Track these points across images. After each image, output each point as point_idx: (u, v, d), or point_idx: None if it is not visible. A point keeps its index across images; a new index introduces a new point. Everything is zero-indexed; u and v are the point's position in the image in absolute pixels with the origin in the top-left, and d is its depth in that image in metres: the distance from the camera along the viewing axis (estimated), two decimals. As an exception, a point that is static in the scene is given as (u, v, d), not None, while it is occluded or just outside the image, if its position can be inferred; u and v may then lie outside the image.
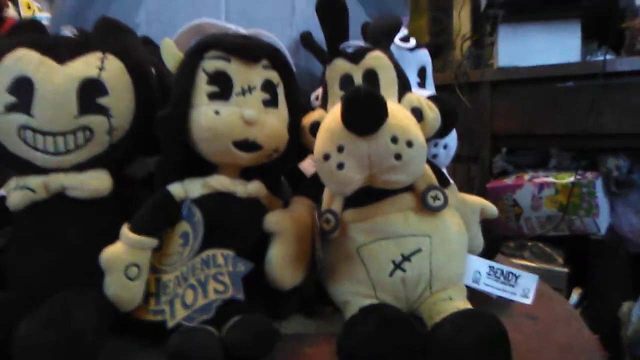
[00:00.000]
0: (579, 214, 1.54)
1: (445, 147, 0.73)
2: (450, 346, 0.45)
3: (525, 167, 1.75)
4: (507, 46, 1.64)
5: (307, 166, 0.76)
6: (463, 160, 1.73)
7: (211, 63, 0.57)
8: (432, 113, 0.60)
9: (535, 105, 1.62)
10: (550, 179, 1.59)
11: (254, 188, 0.59)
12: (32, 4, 2.95)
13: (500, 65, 1.65)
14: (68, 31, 0.63)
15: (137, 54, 0.62)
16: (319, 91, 0.88)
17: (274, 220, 0.58)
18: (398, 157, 0.50)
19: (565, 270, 1.53)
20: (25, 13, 2.92)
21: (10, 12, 2.80)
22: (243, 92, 0.57)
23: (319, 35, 1.00)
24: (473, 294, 0.58)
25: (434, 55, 0.82)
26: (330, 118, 0.53)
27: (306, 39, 0.99)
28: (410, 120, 0.53)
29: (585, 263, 1.55)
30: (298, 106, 0.63)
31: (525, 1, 1.58)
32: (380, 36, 0.65)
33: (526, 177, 1.65)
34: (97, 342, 0.49)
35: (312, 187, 0.64)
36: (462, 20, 2.02)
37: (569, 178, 1.56)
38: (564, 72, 1.55)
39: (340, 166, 0.50)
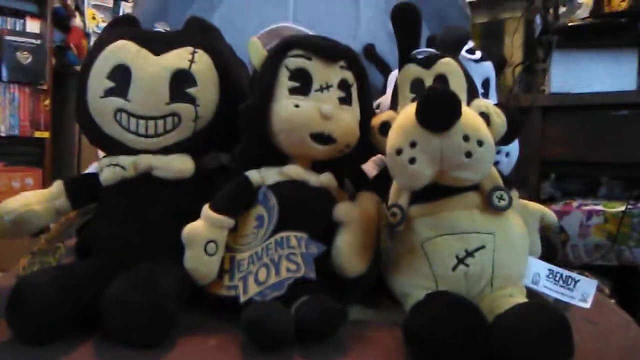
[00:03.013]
0: (629, 244, 1.51)
1: (507, 155, 0.75)
2: (515, 333, 0.46)
3: (574, 194, 1.73)
4: (560, 72, 1.64)
5: (369, 168, 0.79)
6: (510, 183, 1.72)
7: (293, 61, 0.61)
8: (499, 119, 0.62)
9: (587, 132, 1.61)
10: (600, 207, 1.57)
11: (326, 179, 0.63)
12: (96, 15, 3.12)
13: (553, 91, 1.65)
14: (160, 27, 0.68)
15: (224, 51, 0.67)
16: (379, 100, 0.92)
17: (343, 210, 0.61)
18: (469, 154, 0.52)
19: (612, 301, 1.50)
20: (90, 23, 3.09)
21: (77, 21, 2.98)
22: (321, 89, 0.61)
23: (380, 48, 1.05)
24: (530, 297, 0.59)
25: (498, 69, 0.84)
26: (403, 116, 0.56)
27: (369, 51, 1.03)
28: (481, 121, 0.55)
29: (633, 295, 1.52)
30: (369, 106, 0.67)
31: (581, 28, 1.59)
32: (448, 47, 0.69)
33: (574, 204, 1.63)
34: (177, 309, 0.53)
35: (376, 186, 0.67)
36: (514, 46, 2.04)
37: (619, 207, 1.54)
38: (619, 100, 1.54)
39: (412, 161, 0.53)
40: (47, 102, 2.66)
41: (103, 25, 3.05)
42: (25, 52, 2.60)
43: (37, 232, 0.65)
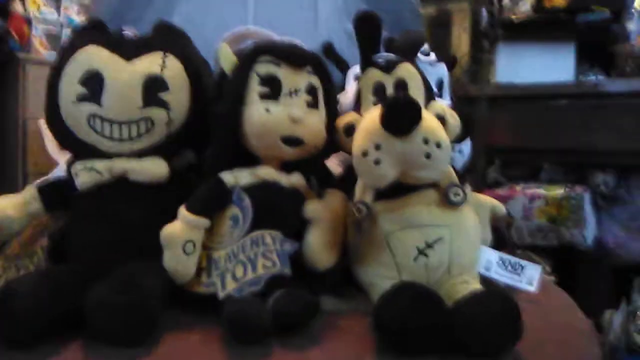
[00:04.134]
0: (568, 225, 1.63)
1: (460, 151, 0.81)
2: (474, 319, 0.52)
3: (518, 179, 1.84)
4: (505, 63, 1.73)
5: (333, 165, 0.83)
6: (464, 179, 1.81)
7: (263, 67, 0.64)
8: (454, 120, 0.67)
9: (530, 121, 1.71)
10: (541, 191, 1.68)
11: (296, 179, 0.66)
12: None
13: (498, 81, 1.74)
14: (129, 32, 0.69)
15: (194, 55, 0.69)
16: (339, 97, 0.95)
17: (312, 208, 0.65)
18: (428, 156, 0.57)
19: (552, 278, 1.62)
20: (30, 7, 2.96)
21: (17, 7, 2.85)
22: (290, 94, 0.64)
23: (338, 46, 1.08)
24: (483, 281, 0.65)
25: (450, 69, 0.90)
26: (368, 120, 0.61)
27: (328, 49, 1.06)
28: (438, 124, 0.60)
29: (571, 272, 1.64)
30: (334, 109, 0.71)
31: (524, 22, 1.68)
32: (406, 50, 0.73)
33: (518, 188, 1.74)
34: (160, 309, 0.56)
35: (342, 184, 0.72)
36: (461, 37, 2.11)
37: (559, 191, 1.65)
38: (558, 91, 1.65)
39: (377, 162, 0.58)
40: (-11, 91, 2.55)
41: (44, 9, 2.93)
42: (-36, 40, 2.48)
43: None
